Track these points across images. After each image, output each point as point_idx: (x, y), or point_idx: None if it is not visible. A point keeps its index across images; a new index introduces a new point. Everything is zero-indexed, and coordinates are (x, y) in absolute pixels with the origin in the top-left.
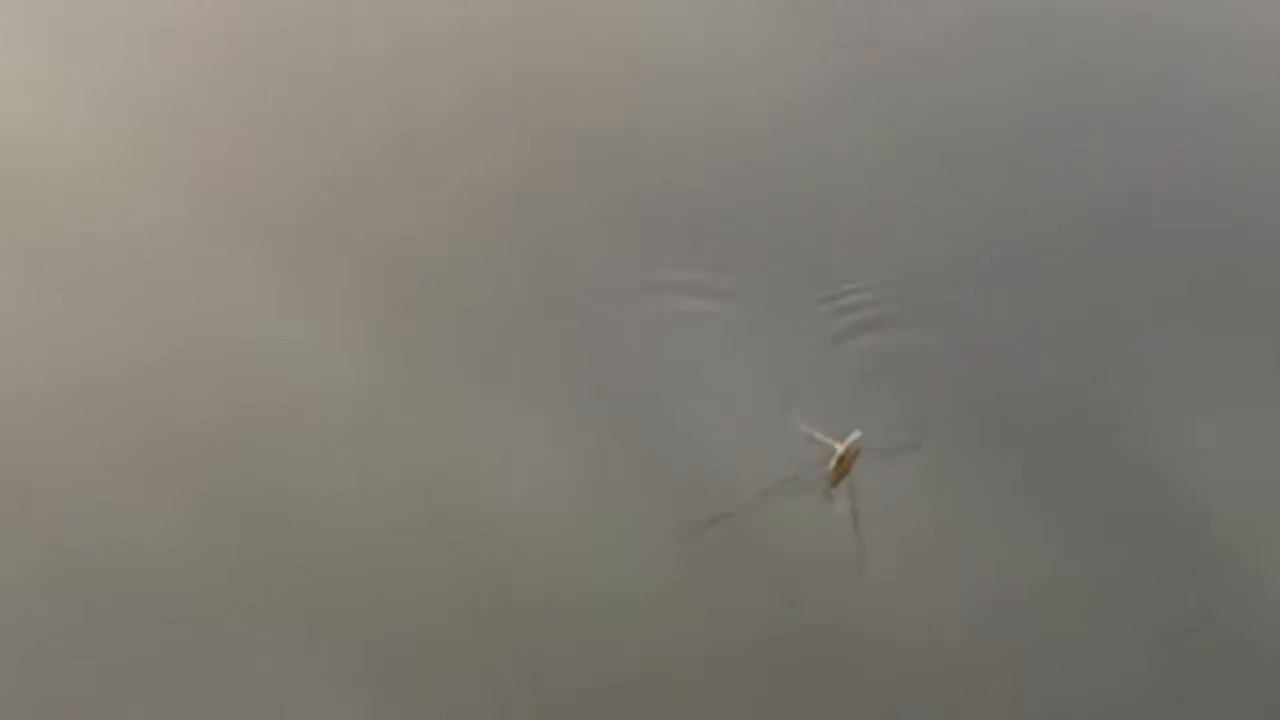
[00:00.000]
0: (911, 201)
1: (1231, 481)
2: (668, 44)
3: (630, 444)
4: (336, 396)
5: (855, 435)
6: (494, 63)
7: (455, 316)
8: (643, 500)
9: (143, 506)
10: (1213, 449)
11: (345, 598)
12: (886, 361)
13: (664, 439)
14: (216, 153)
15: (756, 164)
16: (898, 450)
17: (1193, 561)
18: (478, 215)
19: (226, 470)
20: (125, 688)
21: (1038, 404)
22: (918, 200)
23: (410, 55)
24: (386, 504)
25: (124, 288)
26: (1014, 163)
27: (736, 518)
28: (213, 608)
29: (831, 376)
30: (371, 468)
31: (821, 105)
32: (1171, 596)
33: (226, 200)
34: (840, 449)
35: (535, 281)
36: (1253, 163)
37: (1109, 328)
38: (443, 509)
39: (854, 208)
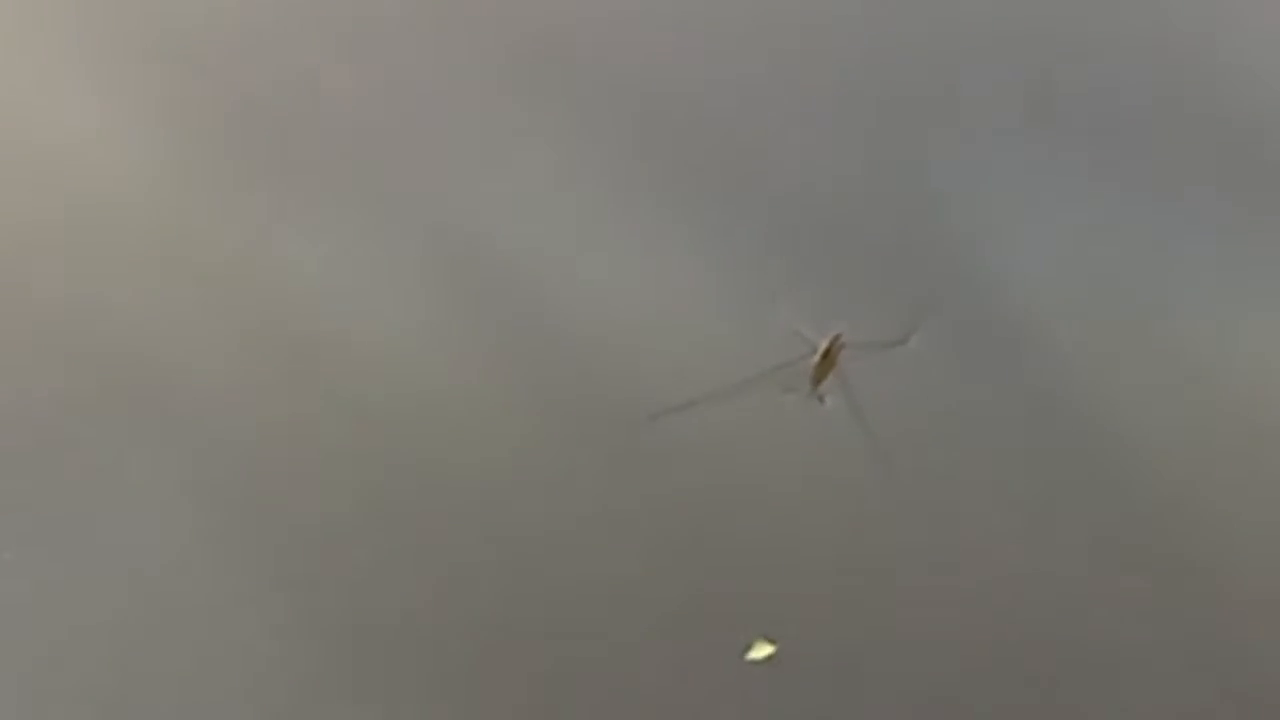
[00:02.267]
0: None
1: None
2: None
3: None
4: (148, 207)
5: (838, 331)
6: None
7: (284, 127)
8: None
9: None
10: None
11: (168, 398)
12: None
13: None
14: None
15: None
16: (884, 346)
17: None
18: (306, 30)
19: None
20: None
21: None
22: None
23: None
24: (204, 305)
25: None
26: None
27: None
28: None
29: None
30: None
31: None
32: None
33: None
34: (824, 344)
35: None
36: None
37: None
38: (266, 316)
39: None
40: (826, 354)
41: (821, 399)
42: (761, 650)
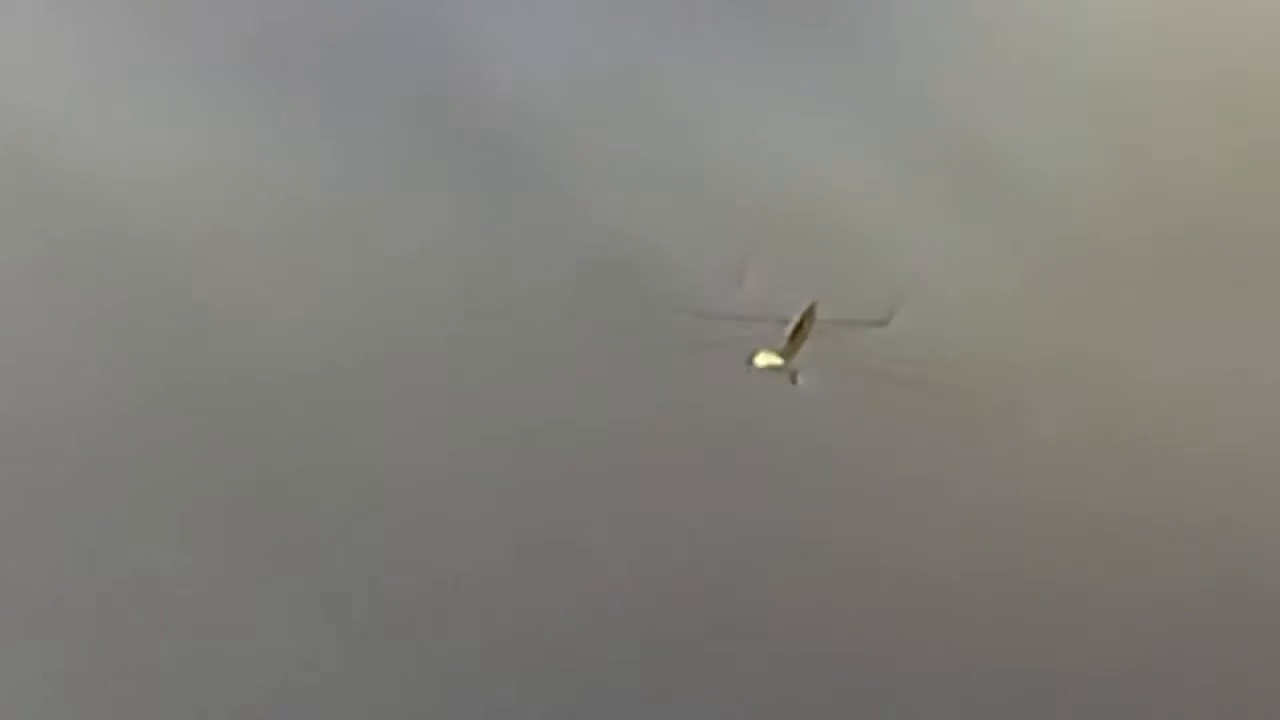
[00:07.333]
0: None
1: None
2: None
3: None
4: None
5: (811, 303)
6: None
7: None
8: None
9: None
10: None
11: None
12: None
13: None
14: None
15: None
16: (861, 324)
17: None
18: None
19: None
20: None
21: None
22: None
23: None
24: None
25: None
26: None
27: None
28: None
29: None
30: None
31: None
32: None
33: None
34: (796, 318)
35: None
36: None
37: None
38: None
39: None
40: (799, 327)
41: (794, 378)
42: (766, 359)
